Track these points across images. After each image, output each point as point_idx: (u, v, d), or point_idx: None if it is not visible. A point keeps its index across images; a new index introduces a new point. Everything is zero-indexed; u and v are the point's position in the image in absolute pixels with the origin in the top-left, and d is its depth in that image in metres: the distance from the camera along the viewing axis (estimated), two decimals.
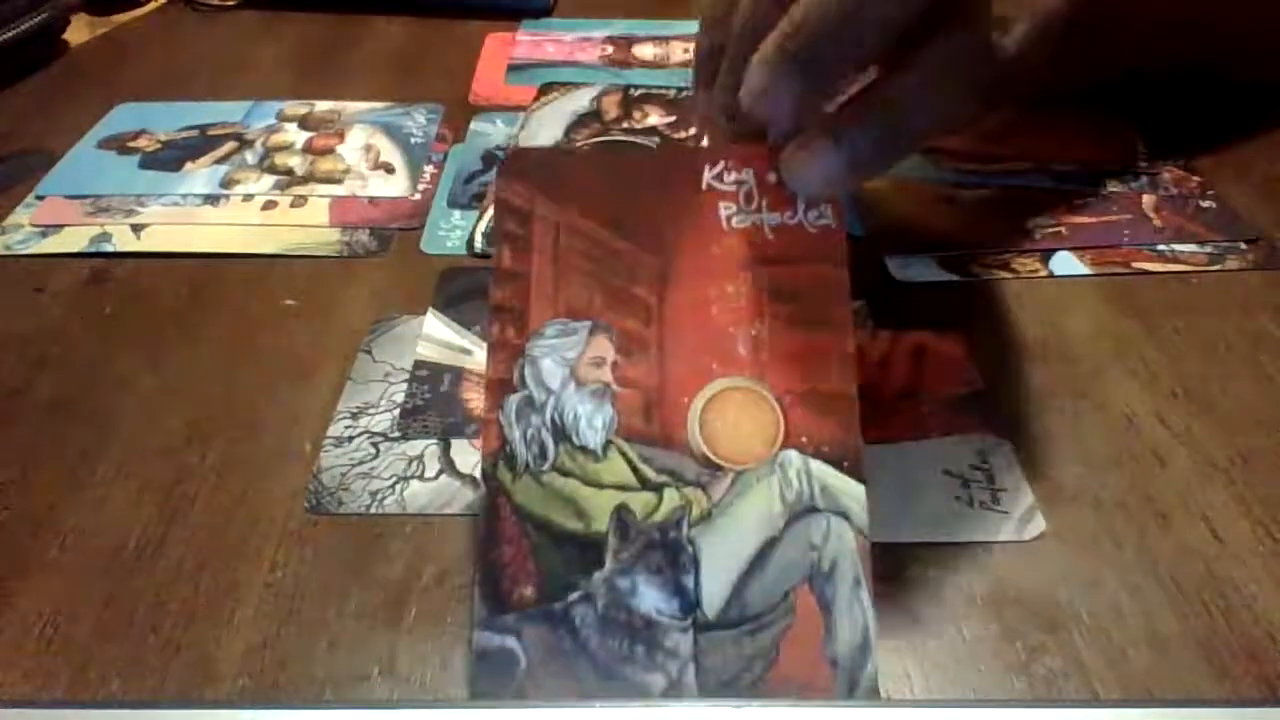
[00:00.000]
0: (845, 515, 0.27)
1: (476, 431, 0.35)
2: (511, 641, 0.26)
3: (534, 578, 0.26)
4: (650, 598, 0.26)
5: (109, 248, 0.44)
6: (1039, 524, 0.31)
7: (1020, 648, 0.28)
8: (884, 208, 0.47)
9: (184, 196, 0.47)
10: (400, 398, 0.36)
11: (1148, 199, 0.47)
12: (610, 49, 0.61)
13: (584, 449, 0.27)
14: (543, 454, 0.27)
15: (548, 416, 0.28)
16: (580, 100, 0.56)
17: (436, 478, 0.33)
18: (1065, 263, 0.43)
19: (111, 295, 0.42)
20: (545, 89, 0.57)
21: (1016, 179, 0.49)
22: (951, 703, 0.27)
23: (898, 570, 0.30)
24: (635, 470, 0.27)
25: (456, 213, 0.47)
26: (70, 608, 0.29)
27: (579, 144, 0.51)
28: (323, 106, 0.55)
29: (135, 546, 0.31)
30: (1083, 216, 0.46)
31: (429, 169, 0.50)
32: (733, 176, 0.29)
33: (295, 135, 0.53)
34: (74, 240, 0.45)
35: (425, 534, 0.31)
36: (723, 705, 0.27)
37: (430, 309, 0.40)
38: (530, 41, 0.63)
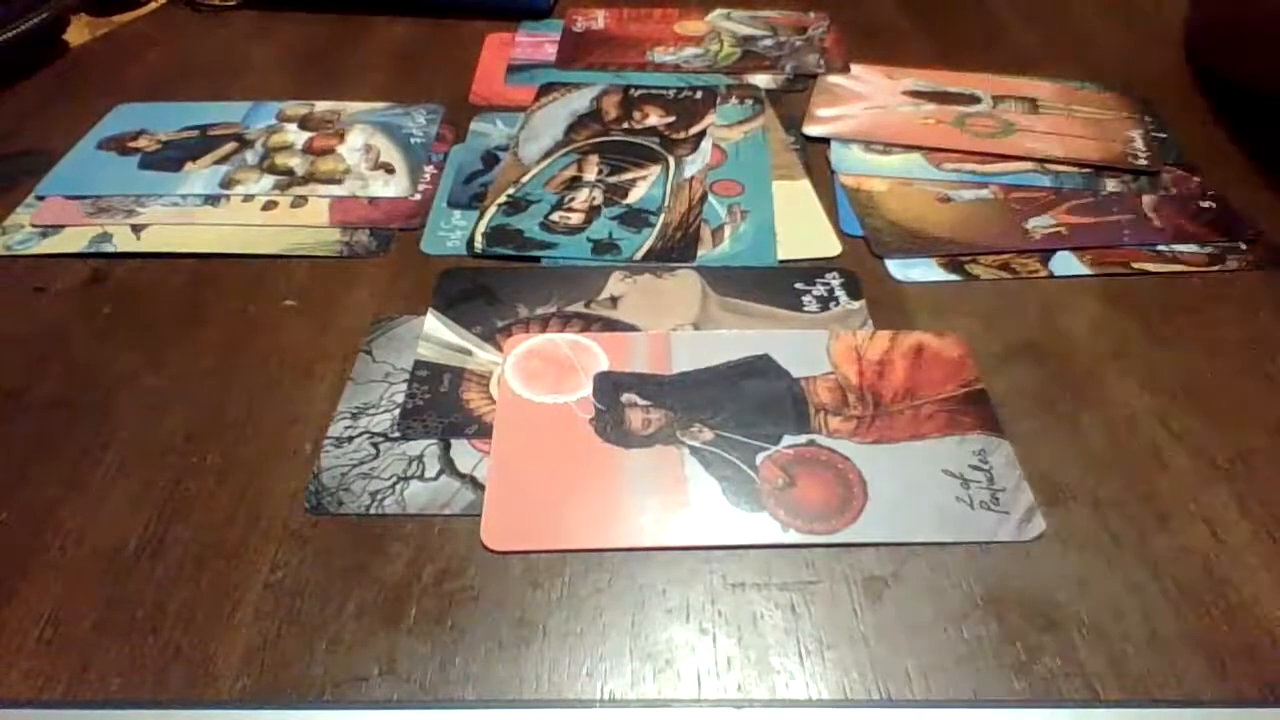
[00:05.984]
0: None
1: (477, 431, 0.35)
2: None
3: None
4: None
5: (109, 248, 0.44)
6: (1039, 524, 0.31)
7: (1020, 648, 0.28)
8: (884, 208, 0.47)
9: (184, 197, 0.47)
10: (400, 398, 0.36)
11: (1148, 199, 0.47)
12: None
13: None
14: None
15: None
16: (580, 100, 0.56)
17: (436, 478, 0.33)
18: (1065, 263, 0.43)
19: (111, 295, 0.42)
20: (545, 89, 0.57)
21: (1016, 179, 0.49)
22: (951, 703, 0.27)
23: (898, 570, 0.30)
24: None
25: (457, 213, 0.47)
26: (70, 608, 0.29)
27: (579, 143, 0.51)
28: (323, 107, 0.55)
29: (135, 546, 0.31)
30: (1083, 216, 0.46)
31: (429, 169, 0.50)
32: None
33: (295, 135, 0.53)
34: (74, 240, 0.45)
35: (425, 534, 0.31)
36: (722, 705, 0.27)
37: (430, 309, 0.40)
38: (530, 42, 0.63)
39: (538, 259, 0.43)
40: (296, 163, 0.50)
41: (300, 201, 0.47)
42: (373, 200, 0.48)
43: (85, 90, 0.58)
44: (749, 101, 0.56)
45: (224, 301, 0.41)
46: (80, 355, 0.39)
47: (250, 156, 0.51)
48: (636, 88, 0.57)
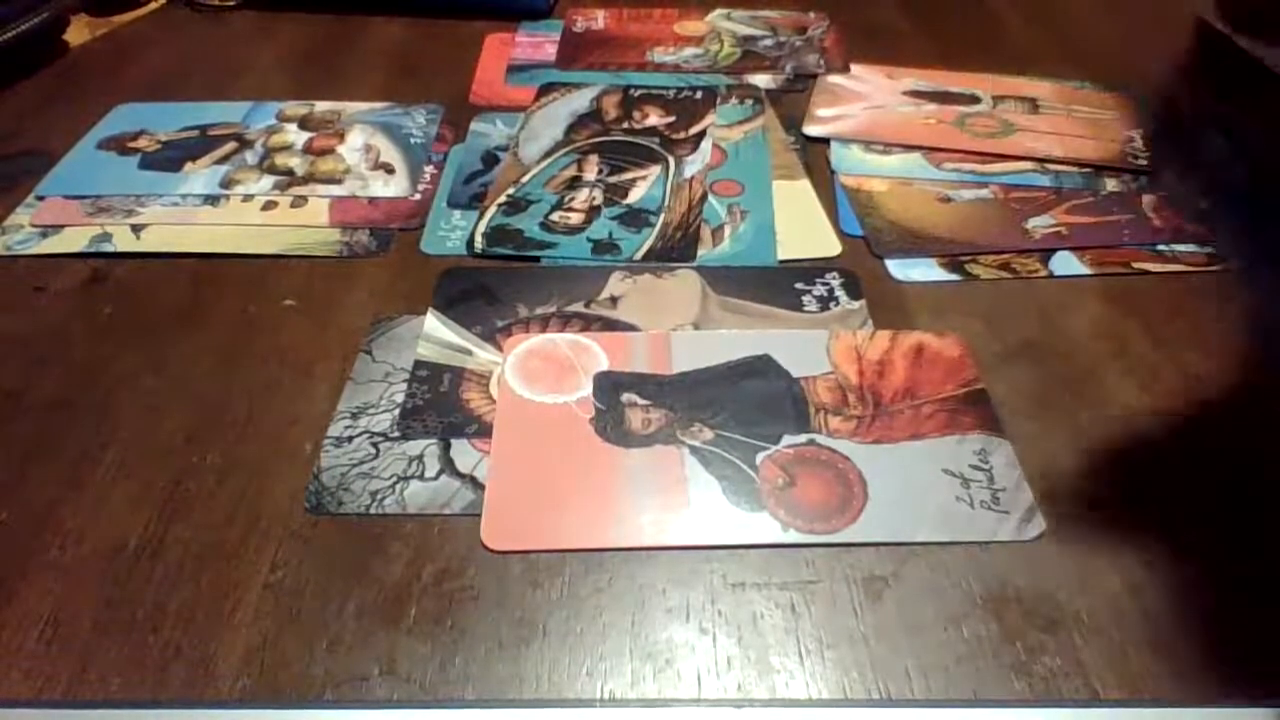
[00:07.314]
0: None
1: (477, 431, 0.35)
2: None
3: None
4: None
5: (109, 248, 0.44)
6: (1039, 524, 0.31)
7: (1020, 648, 0.28)
8: (884, 208, 0.47)
9: (184, 197, 0.47)
10: (400, 398, 0.36)
11: (1148, 199, 0.47)
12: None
13: None
14: None
15: None
16: (580, 100, 0.56)
17: (436, 478, 0.33)
18: (1065, 263, 0.43)
19: (111, 295, 0.42)
20: (545, 89, 0.57)
21: (1016, 179, 0.49)
22: (951, 702, 0.27)
23: (898, 570, 0.30)
24: None
25: (456, 213, 0.47)
26: (70, 608, 0.29)
27: (579, 143, 0.51)
28: (323, 107, 0.55)
29: (135, 546, 0.31)
30: (1083, 216, 0.46)
31: (429, 169, 0.50)
32: None
33: (295, 135, 0.53)
34: (74, 240, 0.45)
35: (425, 534, 0.31)
36: (722, 705, 0.27)
37: (430, 309, 0.40)
38: (530, 42, 0.63)
39: (538, 259, 0.43)
40: (296, 163, 0.50)
41: (300, 201, 0.47)
42: (373, 200, 0.48)
43: (85, 90, 0.58)
44: (749, 101, 0.56)
45: (224, 301, 0.41)
46: (80, 355, 0.39)
47: (250, 156, 0.51)
48: (636, 88, 0.57)
